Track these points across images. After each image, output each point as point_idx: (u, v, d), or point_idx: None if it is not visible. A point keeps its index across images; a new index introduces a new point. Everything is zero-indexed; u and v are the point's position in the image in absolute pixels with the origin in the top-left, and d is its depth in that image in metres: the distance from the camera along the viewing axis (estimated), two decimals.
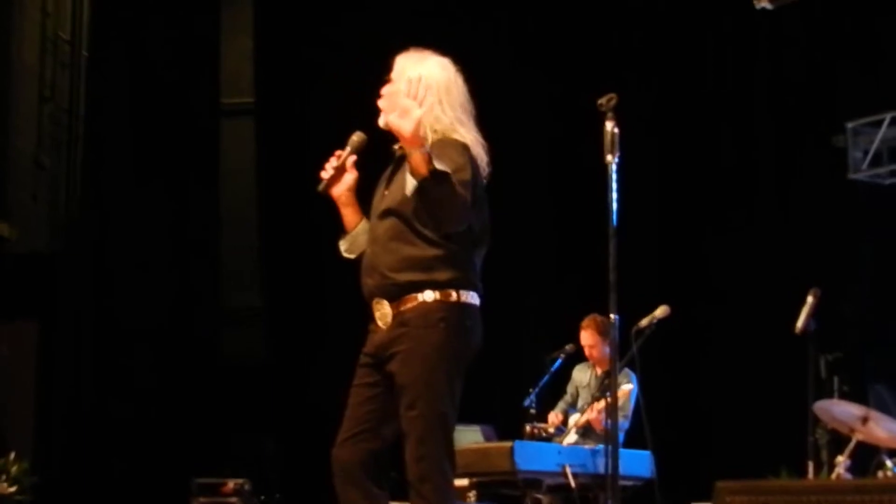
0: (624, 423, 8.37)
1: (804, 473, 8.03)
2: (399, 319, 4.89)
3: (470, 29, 12.17)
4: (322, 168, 5.10)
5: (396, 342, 4.87)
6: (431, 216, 4.77)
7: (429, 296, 4.85)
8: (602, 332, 8.67)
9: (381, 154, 5.11)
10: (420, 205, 4.74)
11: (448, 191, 4.65)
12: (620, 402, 8.16)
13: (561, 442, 8.31)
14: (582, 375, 9.05)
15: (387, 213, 4.97)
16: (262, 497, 11.11)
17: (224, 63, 13.62)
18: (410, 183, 4.68)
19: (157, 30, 12.98)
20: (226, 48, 13.63)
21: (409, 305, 4.87)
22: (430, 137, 4.88)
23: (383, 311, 4.93)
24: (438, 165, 4.63)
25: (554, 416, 8.84)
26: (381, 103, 4.97)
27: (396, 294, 4.89)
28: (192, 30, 13.30)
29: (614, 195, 5.13)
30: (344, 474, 4.93)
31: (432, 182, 4.62)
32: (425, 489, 4.78)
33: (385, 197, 5.04)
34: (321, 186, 5.11)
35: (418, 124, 4.63)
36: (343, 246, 5.21)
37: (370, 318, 4.99)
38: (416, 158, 4.62)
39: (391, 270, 4.90)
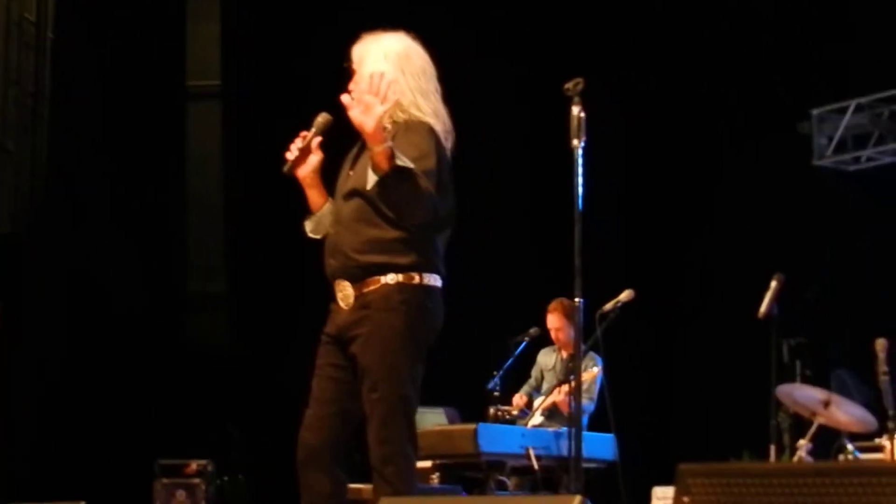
0: (589, 405, 8.40)
1: (766, 457, 8.08)
2: (361, 301, 4.89)
3: (440, 13, 12.13)
4: (287, 149, 5.09)
5: (358, 324, 4.88)
6: (394, 210, 4.78)
7: (391, 278, 4.86)
8: (568, 315, 8.68)
9: (347, 135, 5.10)
10: (382, 199, 4.76)
11: (410, 187, 4.67)
12: (586, 386, 8.21)
13: (525, 424, 8.32)
14: (547, 359, 9.08)
15: (351, 195, 4.97)
16: (225, 478, 11.11)
17: (190, 45, 13.54)
18: (371, 178, 4.70)
19: (124, 12, 12.89)
20: (192, 30, 13.55)
21: (372, 287, 4.87)
22: (399, 116, 4.91)
23: (345, 293, 4.93)
24: (400, 161, 4.64)
25: (518, 399, 8.86)
26: (345, 98, 4.89)
27: (359, 276, 4.90)
28: (159, 12, 13.22)
29: (580, 179, 5.14)
30: (312, 457, 4.93)
31: (394, 178, 4.64)
32: (388, 472, 4.79)
33: (350, 178, 5.04)
34: (286, 167, 5.09)
35: (380, 121, 4.65)
36: (308, 227, 5.20)
37: (332, 298, 5.00)
38: (378, 154, 4.63)
39: (354, 252, 4.90)
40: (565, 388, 8.26)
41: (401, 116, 4.94)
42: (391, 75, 4.90)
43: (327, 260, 5.02)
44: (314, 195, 5.18)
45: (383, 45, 5.07)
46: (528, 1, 12.42)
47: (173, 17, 13.29)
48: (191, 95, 13.58)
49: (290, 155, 5.08)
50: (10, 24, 12.83)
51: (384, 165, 4.63)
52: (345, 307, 4.93)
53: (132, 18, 12.88)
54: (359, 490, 6.82)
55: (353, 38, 5.17)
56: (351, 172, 5.05)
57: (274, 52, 12.93)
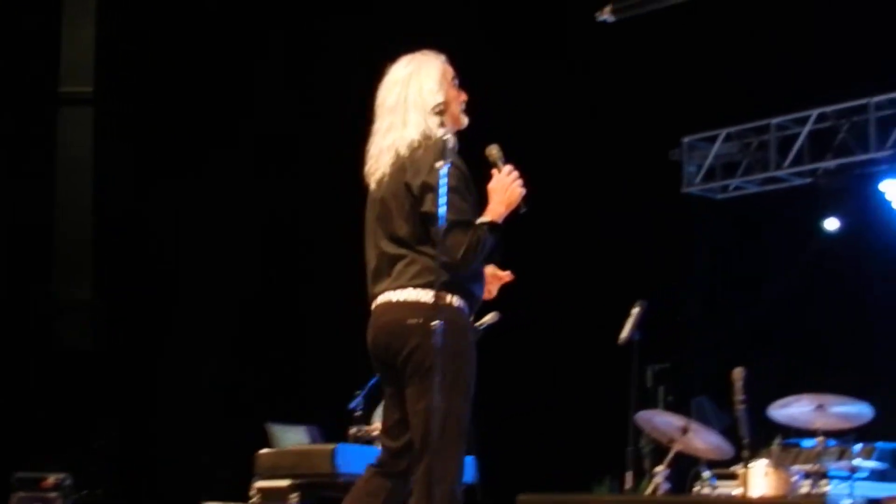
0: None
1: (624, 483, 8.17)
2: None
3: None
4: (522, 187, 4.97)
5: None
6: None
7: None
8: None
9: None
10: None
11: None
12: None
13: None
14: None
15: None
16: (85, 492, 10.92)
17: (64, 51, 13.35)
18: None
19: None
20: (66, 36, 13.36)
21: None
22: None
23: None
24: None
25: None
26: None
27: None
28: (33, 16, 13.02)
29: None
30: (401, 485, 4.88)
31: None
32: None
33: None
34: (525, 204, 4.99)
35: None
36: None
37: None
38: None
39: None
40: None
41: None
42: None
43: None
44: None
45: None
46: None
47: (47, 21, 13.09)
48: (63, 100, 13.39)
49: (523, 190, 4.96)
50: None
51: None
52: None
53: (5, 22, 12.67)
54: None
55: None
56: None
57: (149, 59, 12.78)
